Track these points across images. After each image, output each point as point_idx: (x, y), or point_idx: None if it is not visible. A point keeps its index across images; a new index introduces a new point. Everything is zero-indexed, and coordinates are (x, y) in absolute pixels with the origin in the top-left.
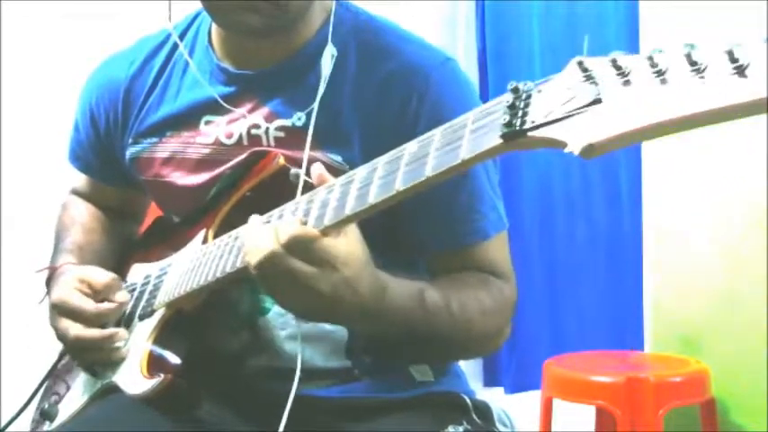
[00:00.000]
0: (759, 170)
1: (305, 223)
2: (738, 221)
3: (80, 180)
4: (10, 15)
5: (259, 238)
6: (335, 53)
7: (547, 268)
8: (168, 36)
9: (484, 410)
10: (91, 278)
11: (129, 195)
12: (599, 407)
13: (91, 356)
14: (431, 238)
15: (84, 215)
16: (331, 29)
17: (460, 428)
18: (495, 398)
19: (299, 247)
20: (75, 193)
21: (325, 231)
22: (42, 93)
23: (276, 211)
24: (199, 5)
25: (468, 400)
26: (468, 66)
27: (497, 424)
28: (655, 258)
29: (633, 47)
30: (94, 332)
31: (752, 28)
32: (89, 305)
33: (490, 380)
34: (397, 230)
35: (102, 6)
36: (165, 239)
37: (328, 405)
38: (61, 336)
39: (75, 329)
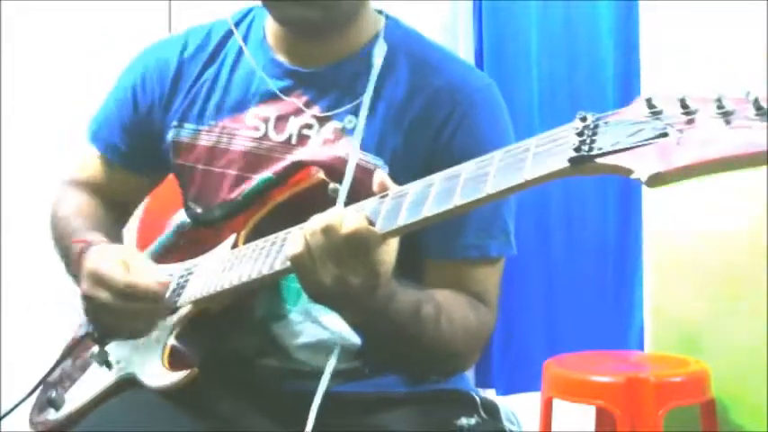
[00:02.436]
0: (759, 169)
1: (371, 223)
2: (738, 221)
3: (81, 167)
4: (10, 15)
5: (326, 214)
6: (386, 48)
7: (543, 269)
8: (218, 27)
9: (492, 409)
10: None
11: (134, 182)
12: (599, 407)
13: (138, 307)
14: (434, 244)
15: (83, 204)
16: (383, 33)
17: (473, 420)
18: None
19: (357, 239)
20: (72, 182)
21: (384, 236)
22: (43, 94)
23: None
24: (205, 5)
25: (476, 398)
26: None
27: (505, 422)
28: (655, 259)
29: (632, 48)
30: (149, 279)
31: (752, 29)
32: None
33: (481, 381)
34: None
35: (103, 7)
36: (185, 243)
37: (340, 400)
38: (110, 287)
39: (126, 277)
